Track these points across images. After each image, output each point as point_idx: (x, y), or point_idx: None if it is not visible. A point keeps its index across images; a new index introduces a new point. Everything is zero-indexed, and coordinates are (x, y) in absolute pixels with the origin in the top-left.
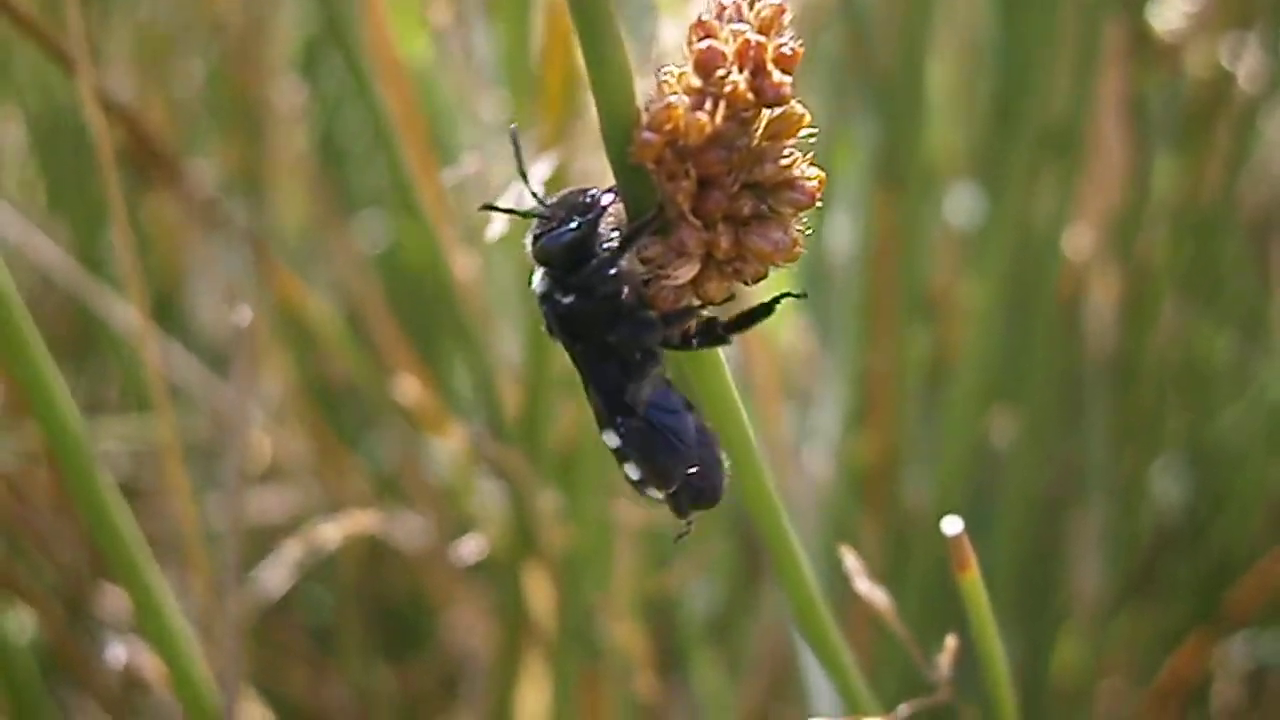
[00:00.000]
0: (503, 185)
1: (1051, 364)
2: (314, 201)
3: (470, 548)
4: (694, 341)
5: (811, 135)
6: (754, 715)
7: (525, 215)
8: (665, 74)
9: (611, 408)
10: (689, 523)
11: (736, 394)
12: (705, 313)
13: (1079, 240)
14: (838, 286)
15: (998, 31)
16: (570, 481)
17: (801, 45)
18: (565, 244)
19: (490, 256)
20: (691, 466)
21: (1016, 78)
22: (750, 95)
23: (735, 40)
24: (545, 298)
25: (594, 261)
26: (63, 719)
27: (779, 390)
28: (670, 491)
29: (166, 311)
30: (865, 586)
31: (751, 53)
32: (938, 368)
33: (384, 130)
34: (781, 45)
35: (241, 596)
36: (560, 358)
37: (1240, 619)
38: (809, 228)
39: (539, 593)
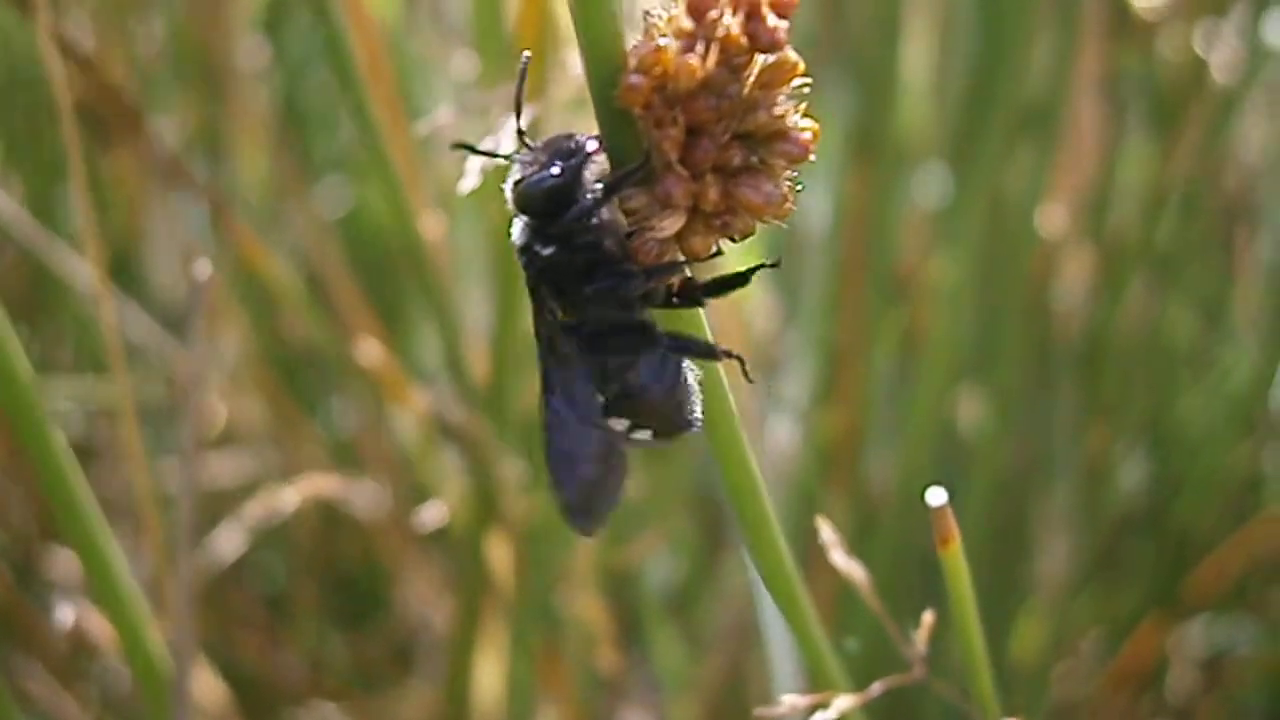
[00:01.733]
0: (474, 142)
1: (1020, 344)
2: (275, 164)
3: (431, 514)
4: (674, 300)
5: (806, 85)
6: (714, 690)
7: (505, 159)
8: (655, 15)
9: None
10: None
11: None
12: (684, 272)
13: (1052, 219)
14: (808, 261)
15: (974, 7)
16: (535, 449)
17: None
18: (546, 190)
19: (457, 219)
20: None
21: (992, 54)
22: (744, 40)
23: None
24: (524, 249)
25: (575, 209)
26: (9, 683)
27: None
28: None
29: (122, 272)
30: (841, 559)
31: None
32: (907, 345)
33: (353, 83)
34: None
35: (195, 561)
36: (527, 319)
37: (1198, 604)
38: (800, 182)
39: (499, 562)
